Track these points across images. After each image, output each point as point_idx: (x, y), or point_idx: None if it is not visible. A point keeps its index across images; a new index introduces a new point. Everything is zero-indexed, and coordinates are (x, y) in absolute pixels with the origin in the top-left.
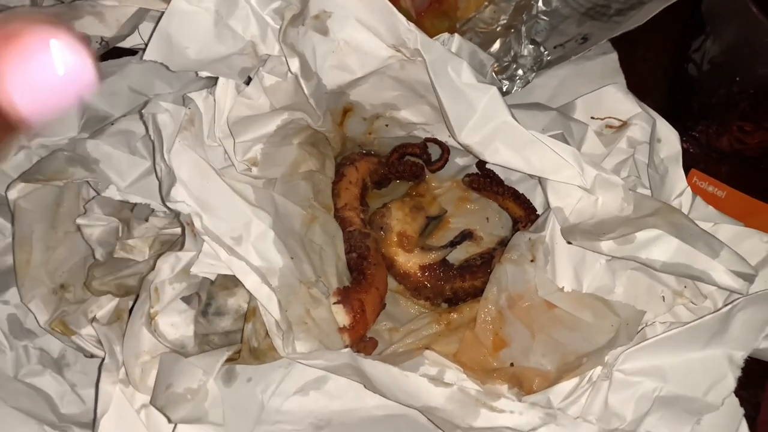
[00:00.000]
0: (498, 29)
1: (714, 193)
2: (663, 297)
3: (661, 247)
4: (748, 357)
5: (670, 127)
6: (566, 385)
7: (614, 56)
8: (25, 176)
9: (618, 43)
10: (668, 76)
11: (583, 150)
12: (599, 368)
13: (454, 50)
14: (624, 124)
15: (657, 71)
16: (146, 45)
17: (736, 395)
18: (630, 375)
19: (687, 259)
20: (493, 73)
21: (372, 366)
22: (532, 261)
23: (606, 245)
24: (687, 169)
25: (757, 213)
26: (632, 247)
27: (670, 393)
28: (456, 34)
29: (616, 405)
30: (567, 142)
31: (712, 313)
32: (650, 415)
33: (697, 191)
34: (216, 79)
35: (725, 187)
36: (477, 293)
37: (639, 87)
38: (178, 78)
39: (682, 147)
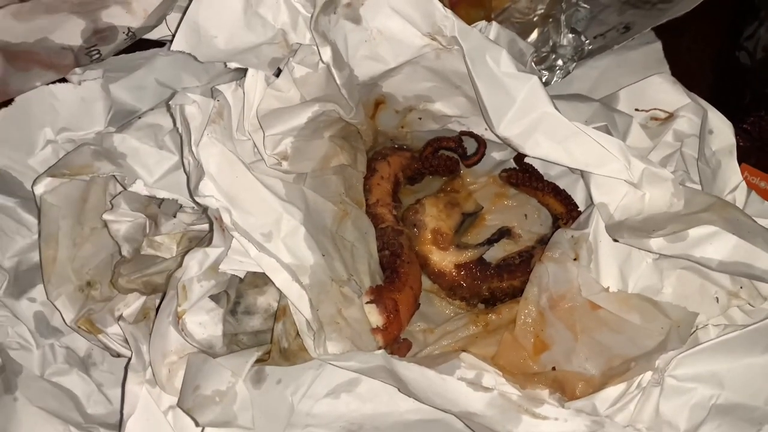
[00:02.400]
0: (535, 19)
1: (766, 189)
2: (717, 298)
3: (716, 244)
4: None
5: (723, 117)
6: (612, 391)
7: (658, 46)
8: (52, 171)
9: (662, 32)
10: (715, 67)
11: (627, 143)
12: (649, 373)
13: (492, 38)
14: (670, 116)
15: (703, 61)
16: (173, 35)
17: None
18: (684, 381)
19: (746, 257)
20: (533, 63)
21: (407, 368)
22: (575, 260)
23: (656, 243)
24: (738, 163)
25: None
26: (685, 245)
27: (727, 401)
28: (494, 22)
29: (669, 413)
30: (611, 135)
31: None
32: (706, 425)
33: (747, 186)
34: (245, 71)
35: None
36: (515, 293)
37: (684, 78)
38: (207, 71)
39: None
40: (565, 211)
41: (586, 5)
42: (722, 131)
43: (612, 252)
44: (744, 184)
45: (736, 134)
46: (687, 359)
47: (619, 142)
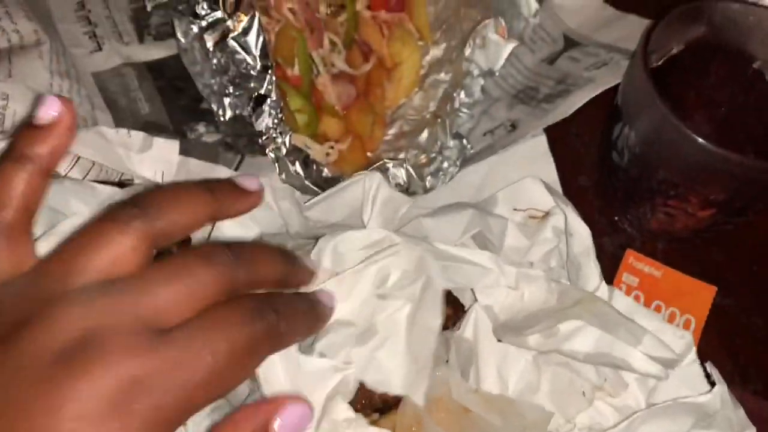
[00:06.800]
0: (427, 116)
1: (651, 273)
2: (583, 392)
3: (582, 337)
4: None
5: (581, 221)
6: None
7: (543, 139)
8: None
9: None
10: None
11: (507, 244)
12: None
13: (372, 192)
14: (546, 215)
15: (592, 147)
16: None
17: None
18: None
19: (607, 347)
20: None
21: None
22: (447, 362)
23: (533, 339)
24: (623, 249)
25: (693, 291)
26: (556, 340)
27: None
28: (377, 173)
29: None
30: (487, 240)
31: (612, 428)
32: None
33: (633, 272)
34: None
35: (661, 266)
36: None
37: (574, 164)
38: (95, 196)
39: (618, 227)
40: (451, 313)
41: (467, 110)
42: (580, 234)
43: (490, 353)
44: (604, 284)
45: (620, 221)
46: None
47: (488, 255)
